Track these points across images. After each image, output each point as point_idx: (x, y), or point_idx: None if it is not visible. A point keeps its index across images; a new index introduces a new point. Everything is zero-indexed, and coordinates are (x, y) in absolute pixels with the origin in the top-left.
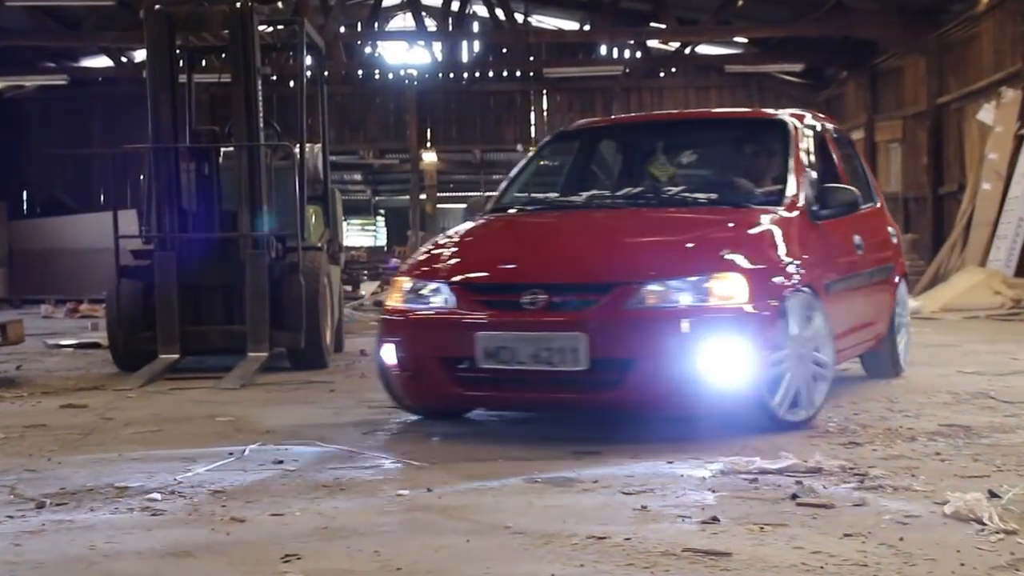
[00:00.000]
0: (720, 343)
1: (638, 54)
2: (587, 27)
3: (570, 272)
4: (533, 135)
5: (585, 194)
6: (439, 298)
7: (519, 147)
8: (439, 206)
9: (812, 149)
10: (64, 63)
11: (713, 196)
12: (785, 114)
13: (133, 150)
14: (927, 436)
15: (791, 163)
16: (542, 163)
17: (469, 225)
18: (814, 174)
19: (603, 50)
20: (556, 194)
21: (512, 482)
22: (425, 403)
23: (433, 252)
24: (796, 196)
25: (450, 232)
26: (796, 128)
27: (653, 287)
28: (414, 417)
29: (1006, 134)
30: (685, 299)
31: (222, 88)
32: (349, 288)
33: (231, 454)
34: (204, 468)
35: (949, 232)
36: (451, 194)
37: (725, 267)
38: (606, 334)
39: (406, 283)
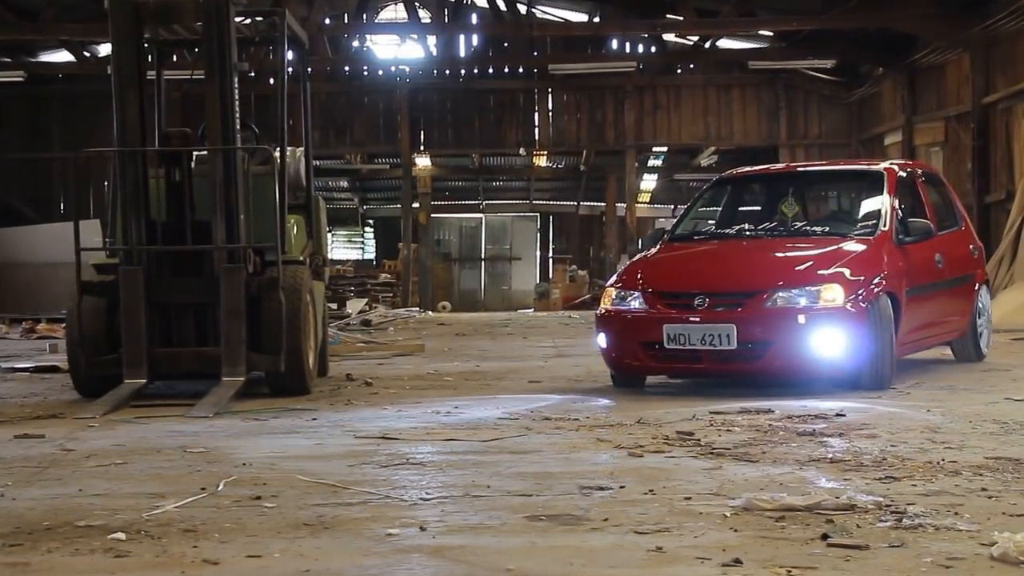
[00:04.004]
0: (826, 331)
1: (653, 49)
2: (596, 19)
3: (725, 284)
4: (537, 137)
5: (735, 227)
6: (636, 302)
7: (521, 151)
8: (433, 216)
9: (902, 191)
10: (21, 58)
11: (826, 228)
12: (882, 165)
13: (96, 154)
14: (972, 470)
15: (884, 203)
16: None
17: (651, 252)
18: (900, 211)
19: (614, 44)
20: (713, 227)
21: (513, 520)
22: (627, 373)
23: (629, 271)
24: (885, 228)
25: (637, 257)
26: (889, 176)
27: (781, 294)
28: (405, 447)
29: None
30: (802, 301)
31: (195, 86)
32: (334, 306)
33: (203, 489)
34: (174, 505)
35: (996, 245)
36: (446, 203)
37: (829, 280)
38: (749, 325)
39: (613, 292)
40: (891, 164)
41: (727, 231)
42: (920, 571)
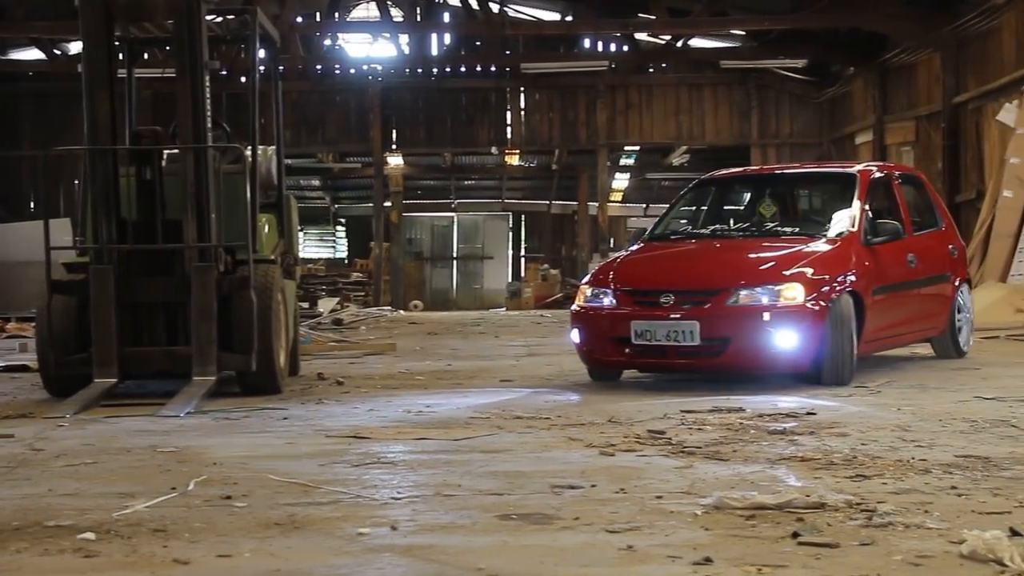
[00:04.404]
0: (785, 328)
1: (625, 48)
2: (569, 18)
3: (691, 283)
4: (509, 136)
5: (711, 228)
6: (608, 299)
7: (494, 150)
8: (405, 215)
9: (875, 193)
10: None
11: (797, 229)
12: (856, 168)
13: (67, 152)
14: (942, 468)
15: (855, 204)
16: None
17: (627, 251)
18: (870, 212)
19: (586, 43)
20: (691, 227)
21: (484, 519)
22: (598, 367)
23: (603, 269)
24: (854, 229)
25: (615, 255)
26: (862, 178)
27: (743, 292)
28: (377, 446)
29: None
30: (764, 300)
31: (166, 84)
32: (306, 305)
33: (174, 489)
34: (144, 505)
35: (967, 244)
36: (418, 201)
37: (790, 279)
38: (711, 322)
39: (587, 290)
40: (866, 167)
41: (702, 231)
42: (890, 569)
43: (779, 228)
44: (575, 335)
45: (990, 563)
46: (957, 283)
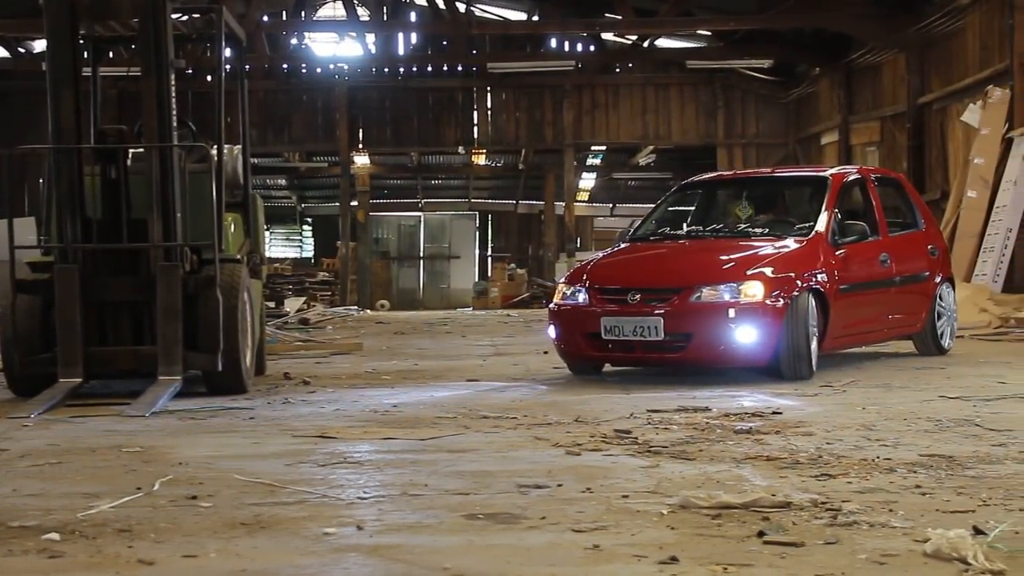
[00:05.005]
0: (745, 324)
1: (591, 48)
2: (535, 18)
3: (657, 281)
4: (476, 136)
5: (687, 229)
6: (581, 297)
7: (460, 149)
8: (372, 214)
9: (848, 195)
10: None
11: (767, 229)
12: (829, 171)
13: (31, 151)
14: (906, 467)
15: (824, 207)
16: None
17: (605, 251)
18: (839, 214)
19: (553, 43)
20: (669, 228)
21: (451, 519)
22: (572, 360)
23: (579, 269)
24: (820, 230)
25: (594, 255)
26: (833, 181)
27: (706, 290)
28: (343, 446)
29: (993, 137)
30: (725, 297)
31: (131, 83)
32: (272, 304)
33: (139, 489)
34: (109, 505)
35: None
36: (385, 201)
37: (751, 277)
38: (675, 318)
39: (563, 287)
40: (840, 170)
41: (678, 232)
42: (854, 568)
43: (749, 229)
44: (552, 331)
45: (954, 562)
46: (938, 282)
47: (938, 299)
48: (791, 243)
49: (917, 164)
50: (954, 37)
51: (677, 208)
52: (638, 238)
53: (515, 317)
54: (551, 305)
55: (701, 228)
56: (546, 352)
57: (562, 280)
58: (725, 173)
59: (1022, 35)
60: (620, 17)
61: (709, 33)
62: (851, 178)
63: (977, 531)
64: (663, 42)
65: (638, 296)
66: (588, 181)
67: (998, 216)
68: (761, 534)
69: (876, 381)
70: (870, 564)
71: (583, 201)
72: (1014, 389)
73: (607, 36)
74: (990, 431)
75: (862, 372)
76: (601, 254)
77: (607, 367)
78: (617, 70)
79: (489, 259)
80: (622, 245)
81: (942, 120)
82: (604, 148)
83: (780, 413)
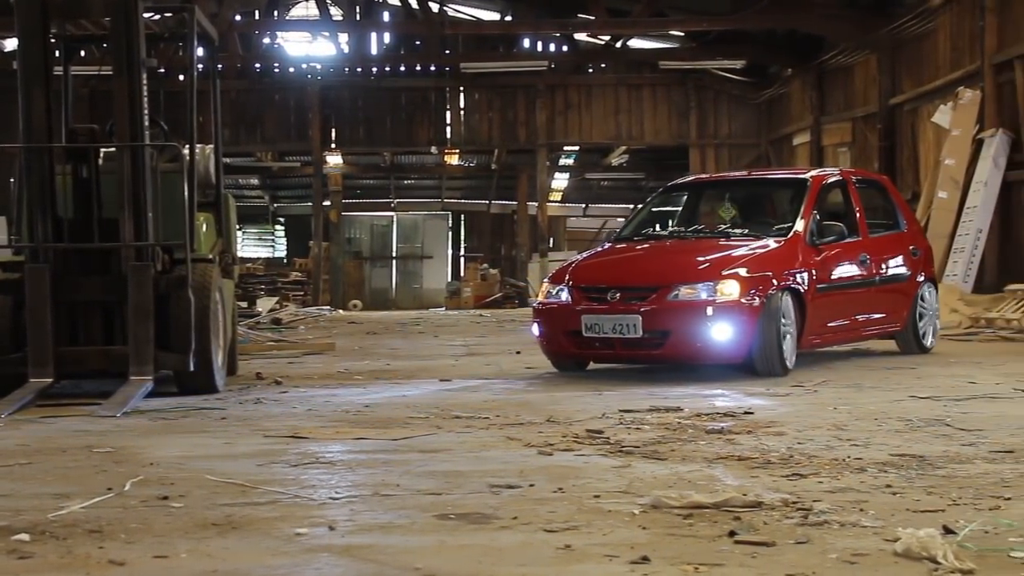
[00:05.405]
0: (720, 322)
1: (564, 48)
2: (508, 18)
3: (636, 280)
4: (448, 136)
5: (669, 229)
6: (564, 295)
7: (433, 149)
8: (345, 214)
9: (828, 197)
10: None
11: (747, 230)
12: (810, 173)
13: (2, 150)
14: (877, 467)
15: (802, 208)
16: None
17: (588, 252)
18: (818, 215)
19: (526, 43)
20: (652, 229)
21: (422, 519)
22: (556, 358)
23: (563, 268)
24: (799, 230)
25: (578, 256)
26: (813, 183)
27: (683, 288)
28: (315, 446)
29: (963, 138)
30: (702, 295)
31: (103, 82)
32: (244, 304)
33: (110, 489)
34: (79, 505)
35: None
36: (358, 201)
37: (727, 277)
38: (652, 316)
39: (547, 286)
40: (821, 172)
41: (662, 233)
42: (825, 567)
43: (730, 230)
44: (535, 329)
45: (924, 561)
46: (920, 281)
47: (920, 299)
48: (770, 243)
49: (888, 165)
50: (925, 38)
51: (662, 209)
52: (622, 239)
53: (488, 317)
54: (535, 304)
55: (683, 229)
56: (519, 352)
57: (547, 279)
58: (709, 175)
59: (992, 37)
60: (593, 17)
61: (682, 34)
62: (831, 180)
63: (947, 530)
64: (636, 42)
65: (618, 295)
66: (561, 181)
67: (968, 217)
68: (732, 534)
69: (848, 381)
70: (841, 563)
71: (556, 201)
72: (984, 389)
73: (580, 36)
74: (960, 431)
75: (834, 372)
76: (585, 254)
77: (592, 365)
78: (590, 70)
79: (462, 259)
80: (607, 246)
81: (913, 121)
82: (577, 148)
83: (752, 413)
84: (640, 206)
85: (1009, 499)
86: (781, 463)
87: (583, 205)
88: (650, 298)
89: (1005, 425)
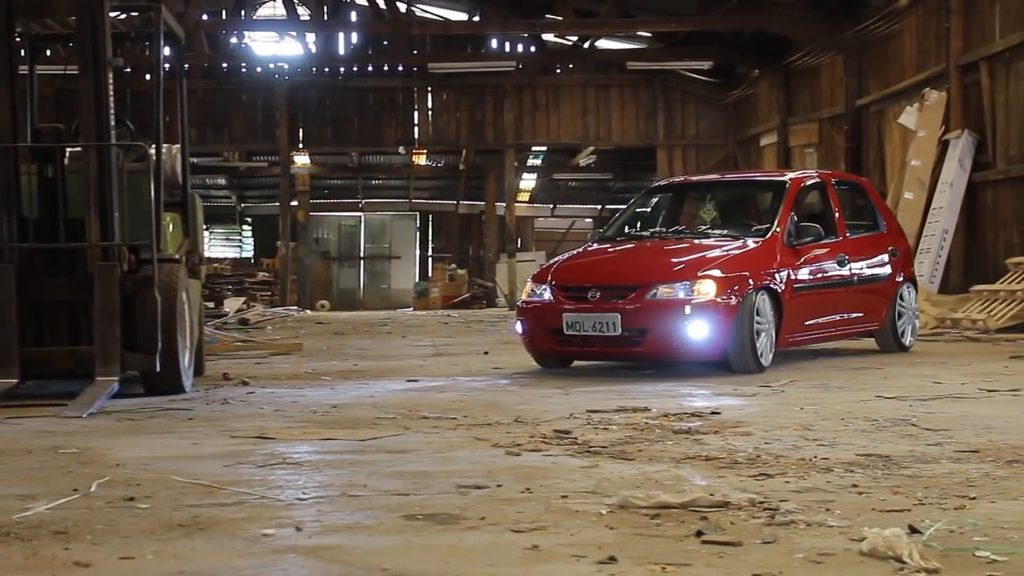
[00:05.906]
0: (697, 320)
1: (532, 48)
2: (476, 18)
3: (616, 279)
4: (416, 136)
5: (651, 230)
6: (546, 294)
7: (401, 149)
8: (312, 214)
9: (806, 198)
10: None
11: (726, 231)
12: (789, 175)
13: None
14: (843, 467)
15: (780, 209)
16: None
17: (572, 252)
18: (795, 216)
19: (494, 44)
20: (634, 230)
21: (390, 519)
22: (538, 355)
23: (546, 268)
24: (777, 231)
25: (561, 255)
26: (792, 185)
27: (661, 287)
28: (282, 447)
29: (929, 139)
30: (679, 295)
31: (69, 81)
32: (211, 304)
33: (76, 490)
34: (45, 506)
35: None
36: (326, 201)
37: (703, 276)
38: (631, 314)
39: (530, 285)
40: (800, 175)
41: (643, 233)
42: (791, 567)
43: (710, 230)
44: (519, 327)
45: (889, 560)
46: (899, 281)
47: (899, 298)
48: (748, 244)
49: (855, 166)
50: (891, 40)
51: (645, 210)
52: (605, 239)
53: (456, 317)
54: (519, 302)
55: (664, 230)
56: (486, 352)
57: (530, 278)
58: (692, 177)
59: (958, 39)
60: (561, 18)
61: (650, 34)
62: (810, 182)
63: (913, 530)
64: (604, 43)
65: (598, 294)
66: (529, 182)
67: (934, 218)
68: (699, 533)
69: (815, 381)
70: (807, 563)
71: (524, 201)
72: (949, 389)
73: (548, 37)
74: (926, 431)
75: (800, 372)
76: (568, 254)
77: (576, 363)
78: (558, 71)
79: (430, 259)
80: (591, 246)
81: (879, 122)
82: (545, 149)
83: (719, 413)
84: (624, 207)
85: (974, 499)
86: (748, 463)
87: (551, 205)
88: (629, 297)
89: (970, 425)
